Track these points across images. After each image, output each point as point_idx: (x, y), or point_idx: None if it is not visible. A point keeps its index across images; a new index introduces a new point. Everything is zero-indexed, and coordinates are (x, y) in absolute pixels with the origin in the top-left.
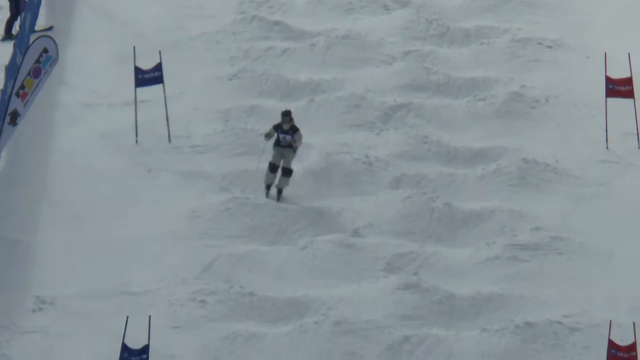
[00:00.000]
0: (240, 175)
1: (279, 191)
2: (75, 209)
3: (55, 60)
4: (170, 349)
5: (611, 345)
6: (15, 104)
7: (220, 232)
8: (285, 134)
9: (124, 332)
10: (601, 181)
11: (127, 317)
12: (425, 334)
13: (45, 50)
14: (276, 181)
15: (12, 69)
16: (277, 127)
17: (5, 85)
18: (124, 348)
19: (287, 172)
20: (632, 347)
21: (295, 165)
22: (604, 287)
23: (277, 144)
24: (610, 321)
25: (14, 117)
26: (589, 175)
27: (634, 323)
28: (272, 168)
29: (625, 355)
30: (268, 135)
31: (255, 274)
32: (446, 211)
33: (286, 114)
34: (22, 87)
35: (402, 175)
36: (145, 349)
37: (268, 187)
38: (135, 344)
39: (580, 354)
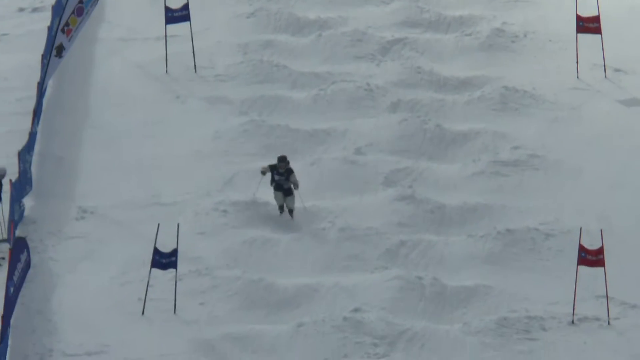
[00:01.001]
0: (257, 101)
1: (290, 211)
2: (113, 130)
3: (96, 1)
4: (196, 252)
5: (581, 249)
6: (60, 39)
7: (239, 151)
8: (280, 176)
9: (156, 238)
10: (572, 106)
11: (158, 224)
12: (419, 239)
13: None
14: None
15: (58, 9)
16: (273, 168)
17: (52, 23)
18: (156, 251)
19: (291, 212)
20: (600, 250)
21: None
22: (575, 199)
23: (276, 187)
24: (581, 228)
25: (60, 51)
26: (561, 100)
27: (601, 230)
28: (280, 207)
29: (594, 258)
30: (264, 172)
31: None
32: (437, 132)
33: (282, 160)
34: (67, 24)
35: (399, 101)
36: (174, 252)
37: (280, 207)
38: (166, 248)
39: (555, 257)
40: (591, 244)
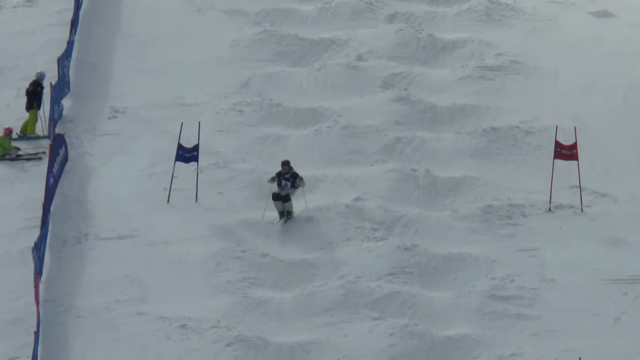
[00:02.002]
0: (270, 13)
1: (289, 213)
2: (143, 39)
3: None
4: (215, 147)
5: (557, 144)
6: None
7: (254, 57)
8: (287, 181)
9: (179, 134)
10: (549, 17)
11: (182, 123)
12: (413, 135)
13: None
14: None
15: None
16: (279, 175)
17: None
18: (179, 146)
19: (286, 197)
20: (574, 146)
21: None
22: (552, 100)
23: (275, 198)
24: (557, 126)
25: None
26: (540, 12)
27: (575, 128)
28: (275, 197)
29: (568, 153)
30: (273, 180)
31: (281, 89)
32: (429, 40)
33: (285, 164)
34: None
35: (396, 13)
36: (195, 147)
37: (281, 214)
38: (188, 143)
39: (533, 152)
40: (566, 140)
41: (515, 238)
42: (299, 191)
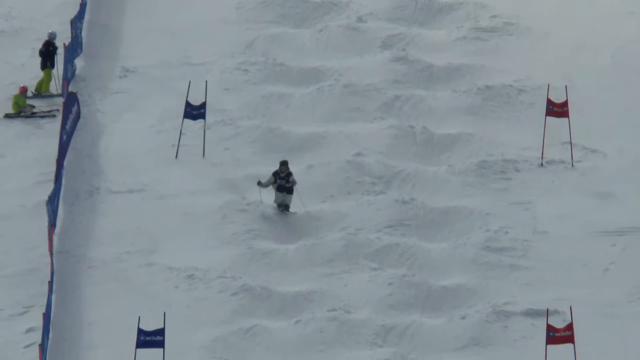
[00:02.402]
0: None
1: (286, 206)
2: (152, 1)
3: None
4: (221, 105)
5: (549, 102)
6: None
7: (259, 19)
8: (282, 180)
9: (187, 93)
10: None
11: (189, 81)
12: (411, 94)
13: None
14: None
15: None
16: (276, 174)
17: None
18: (187, 104)
19: (287, 207)
20: (564, 103)
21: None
22: (544, 59)
23: (278, 188)
24: (548, 85)
25: None
26: None
27: (565, 86)
28: (279, 206)
29: (559, 110)
30: (265, 183)
31: (285, 49)
32: (426, 2)
33: (284, 164)
34: None
35: None
36: (203, 105)
37: (279, 205)
38: (196, 101)
39: (526, 109)
40: (557, 98)
41: (509, 192)
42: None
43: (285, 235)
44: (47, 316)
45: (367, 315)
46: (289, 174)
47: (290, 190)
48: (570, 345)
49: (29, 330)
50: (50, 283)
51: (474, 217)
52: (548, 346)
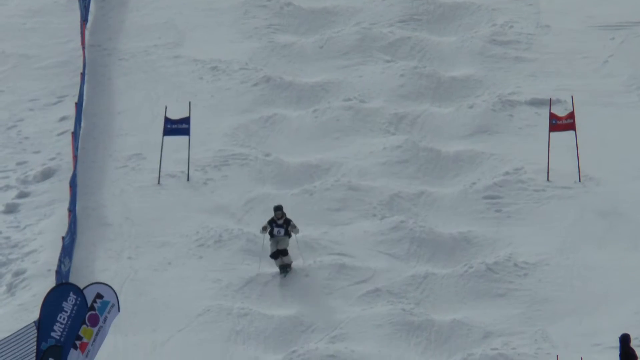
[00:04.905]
0: None
1: (287, 266)
2: None
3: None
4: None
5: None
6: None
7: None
8: (280, 228)
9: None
10: None
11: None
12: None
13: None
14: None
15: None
16: (272, 222)
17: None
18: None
19: (284, 252)
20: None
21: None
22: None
23: (272, 236)
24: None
25: None
26: None
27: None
28: (275, 256)
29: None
30: (265, 229)
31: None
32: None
33: (278, 208)
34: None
35: None
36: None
37: (280, 267)
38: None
39: None
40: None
41: None
42: (293, 242)
43: (304, 29)
44: (79, 105)
45: (381, 104)
46: (288, 222)
47: (284, 252)
48: (571, 132)
49: (62, 118)
50: (82, 74)
51: (481, 12)
52: (551, 133)
